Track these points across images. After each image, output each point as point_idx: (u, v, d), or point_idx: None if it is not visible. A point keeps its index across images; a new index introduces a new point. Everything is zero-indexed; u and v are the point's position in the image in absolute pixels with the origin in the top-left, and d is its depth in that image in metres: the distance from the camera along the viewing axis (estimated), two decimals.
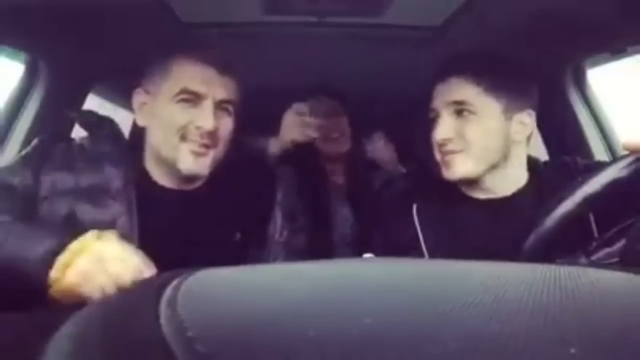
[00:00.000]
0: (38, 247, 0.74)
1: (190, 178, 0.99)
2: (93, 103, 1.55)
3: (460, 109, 0.94)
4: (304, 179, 1.49)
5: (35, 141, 0.97)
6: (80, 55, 1.33)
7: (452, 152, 0.95)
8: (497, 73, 0.95)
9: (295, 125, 1.35)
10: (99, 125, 1.01)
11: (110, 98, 1.72)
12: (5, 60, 1.28)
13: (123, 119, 1.23)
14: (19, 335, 0.55)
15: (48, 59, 1.31)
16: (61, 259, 0.72)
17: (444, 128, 0.94)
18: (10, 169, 0.93)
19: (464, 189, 1.01)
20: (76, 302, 0.69)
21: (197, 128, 0.92)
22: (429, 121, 1.02)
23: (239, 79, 0.99)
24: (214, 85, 0.94)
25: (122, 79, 1.07)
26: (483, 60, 0.98)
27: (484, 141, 0.94)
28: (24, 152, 0.96)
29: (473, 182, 0.98)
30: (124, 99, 1.07)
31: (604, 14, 1.05)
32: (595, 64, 1.42)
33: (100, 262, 0.71)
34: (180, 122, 0.92)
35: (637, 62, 1.27)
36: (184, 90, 0.92)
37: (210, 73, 0.94)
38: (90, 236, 0.75)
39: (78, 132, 1.13)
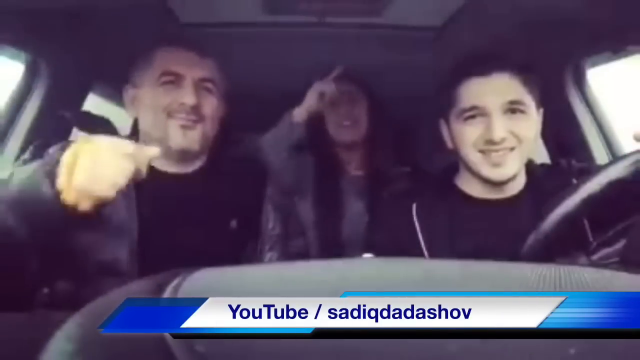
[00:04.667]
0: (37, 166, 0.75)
1: (183, 156, 1.04)
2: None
3: (514, 108, 0.93)
4: (313, 170, 1.47)
5: (30, 148, 1.00)
6: (80, 55, 1.33)
7: (505, 151, 0.93)
8: (531, 69, 0.95)
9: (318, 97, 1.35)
10: (95, 124, 1.04)
11: (110, 98, 1.72)
12: (5, 60, 1.28)
13: (123, 119, 1.24)
14: (19, 335, 0.55)
15: (48, 59, 1.31)
16: (63, 164, 0.72)
17: (500, 128, 0.91)
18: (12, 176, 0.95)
19: (486, 189, 0.99)
20: (93, 206, 0.71)
21: (181, 104, 1.00)
22: (450, 119, 0.99)
23: (219, 62, 1.07)
24: (192, 66, 1.02)
25: (122, 79, 1.07)
26: (518, 55, 0.97)
27: (534, 139, 0.95)
28: (22, 159, 0.98)
29: (504, 182, 0.96)
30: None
31: (604, 13, 1.05)
32: (595, 63, 1.42)
33: (102, 157, 0.71)
34: (165, 102, 1.00)
35: (637, 62, 1.27)
36: (165, 72, 1.00)
37: (188, 55, 1.02)
38: (81, 140, 0.75)
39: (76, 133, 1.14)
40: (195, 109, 1.00)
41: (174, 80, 1.00)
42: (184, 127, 1.00)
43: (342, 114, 1.49)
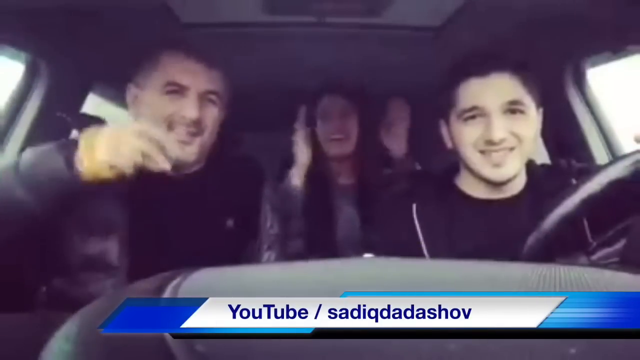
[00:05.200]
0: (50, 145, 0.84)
1: (180, 166, 1.03)
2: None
3: (514, 109, 0.93)
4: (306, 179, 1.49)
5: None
6: (80, 55, 1.33)
7: (505, 151, 0.93)
8: (531, 69, 0.95)
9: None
10: (90, 125, 1.04)
11: (110, 98, 1.72)
12: (6, 60, 1.28)
13: (122, 119, 1.24)
14: (19, 335, 0.55)
15: (48, 59, 1.31)
16: (83, 140, 0.81)
17: (499, 128, 0.91)
18: None
19: (487, 189, 0.99)
20: (110, 180, 0.81)
21: (183, 117, 0.98)
22: (450, 120, 0.99)
23: (224, 71, 1.05)
24: (198, 77, 1.00)
25: (122, 80, 1.07)
26: (518, 55, 0.97)
27: (534, 138, 0.95)
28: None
29: (504, 182, 0.96)
30: (124, 98, 1.07)
31: (604, 13, 1.05)
32: (595, 63, 1.42)
33: (121, 136, 0.81)
34: (167, 112, 0.98)
35: (637, 62, 1.26)
36: (170, 83, 0.99)
37: (194, 66, 1.00)
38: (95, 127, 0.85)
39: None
40: (197, 123, 0.99)
41: (178, 90, 0.99)
42: (182, 142, 0.99)
43: (333, 127, 1.53)
